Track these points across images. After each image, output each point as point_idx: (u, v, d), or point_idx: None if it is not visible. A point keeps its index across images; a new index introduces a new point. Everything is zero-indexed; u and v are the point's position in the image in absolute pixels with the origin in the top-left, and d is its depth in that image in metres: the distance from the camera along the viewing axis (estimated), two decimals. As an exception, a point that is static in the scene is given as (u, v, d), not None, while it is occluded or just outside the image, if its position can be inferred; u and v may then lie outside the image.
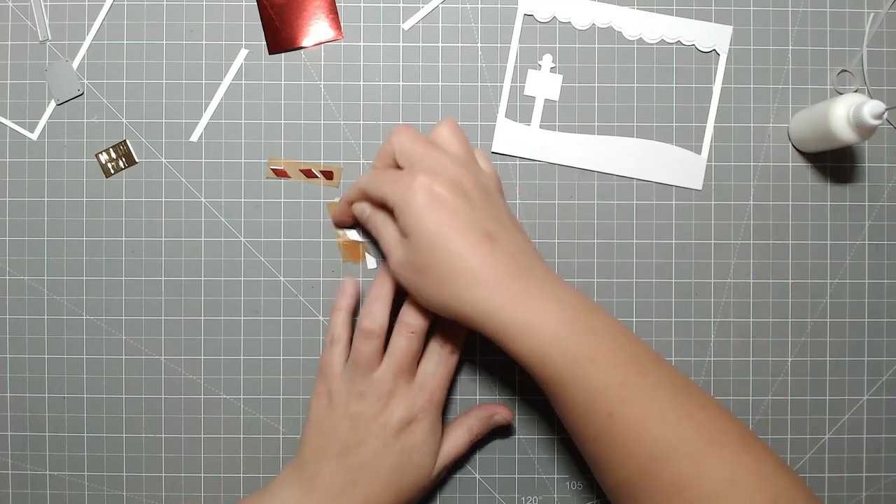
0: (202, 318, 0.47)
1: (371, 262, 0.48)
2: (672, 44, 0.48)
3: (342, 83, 0.48)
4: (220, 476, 0.47)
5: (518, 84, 0.48)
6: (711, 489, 0.34)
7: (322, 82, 0.48)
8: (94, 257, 0.47)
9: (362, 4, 0.48)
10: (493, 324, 0.36)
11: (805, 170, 0.48)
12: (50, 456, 0.47)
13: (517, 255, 0.38)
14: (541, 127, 0.48)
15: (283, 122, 0.48)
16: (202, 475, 0.47)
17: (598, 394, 0.36)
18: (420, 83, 0.48)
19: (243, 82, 0.48)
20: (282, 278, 0.47)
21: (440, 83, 0.48)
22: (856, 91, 0.48)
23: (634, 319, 0.47)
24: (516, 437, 0.47)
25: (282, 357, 0.47)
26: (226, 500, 0.47)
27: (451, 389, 0.47)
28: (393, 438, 0.41)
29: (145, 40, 0.48)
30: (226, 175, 0.47)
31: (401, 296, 0.43)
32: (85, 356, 0.47)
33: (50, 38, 0.48)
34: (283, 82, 0.48)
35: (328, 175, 0.48)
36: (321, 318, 0.47)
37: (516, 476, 0.47)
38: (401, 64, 0.48)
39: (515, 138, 0.48)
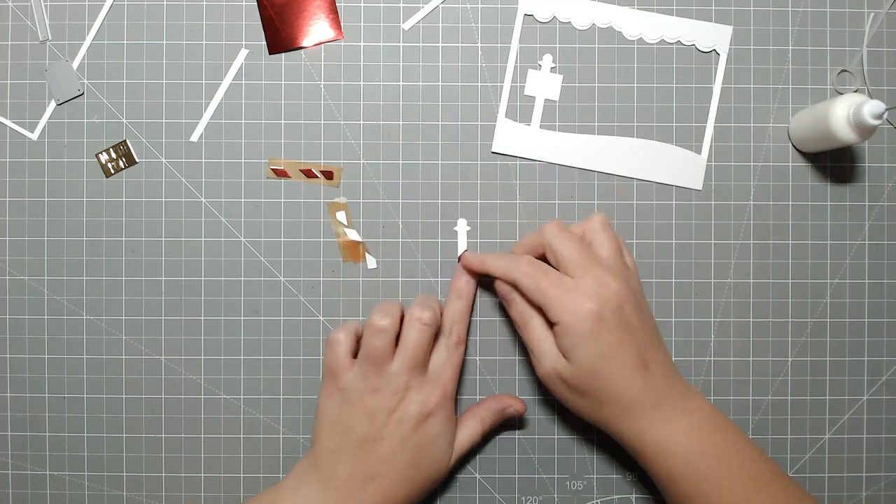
0: (202, 318, 0.47)
1: (371, 261, 0.48)
2: (672, 44, 0.48)
3: (342, 83, 0.48)
4: (220, 476, 0.47)
5: (518, 84, 0.48)
6: None
7: (322, 82, 0.48)
8: (94, 257, 0.47)
9: (362, 4, 0.48)
10: (635, 444, 0.41)
11: (805, 170, 0.48)
12: (50, 456, 0.47)
13: (663, 379, 0.41)
14: (541, 127, 0.48)
15: (283, 122, 0.48)
16: (202, 475, 0.47)
17: None
18: (420, 83, 0.48)
19: (243, 82, 0.48)
20: (282, 278, 0.47)
21: (440, 83, 0.48)
22: (856, 91, 0.48)
23: (634, 319, 0.47)
24: (516, 437, 0.47)
25: (282, 357, 0.47)
26: (226, 500, 0.47)
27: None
28: (410, 433, 0.42)
29: (145, 40, 0.48)
30: (226, 175, 0.47)
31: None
32: (85, 356, 0.47)
33: (50, 38, 0.48)
34: (283, 82, 0.48)
35: (328, 175, 0.48)
36: (321, 318, 0.47)
37: (516, 476, 0.47)
38: (401, 64, 0.48)
39: (515, 138, 0.48)
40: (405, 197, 0.48)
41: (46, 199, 0.47)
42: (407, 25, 0.48)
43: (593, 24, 0.48)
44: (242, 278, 0.47)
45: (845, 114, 0.42)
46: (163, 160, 0.48)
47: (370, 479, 0.41)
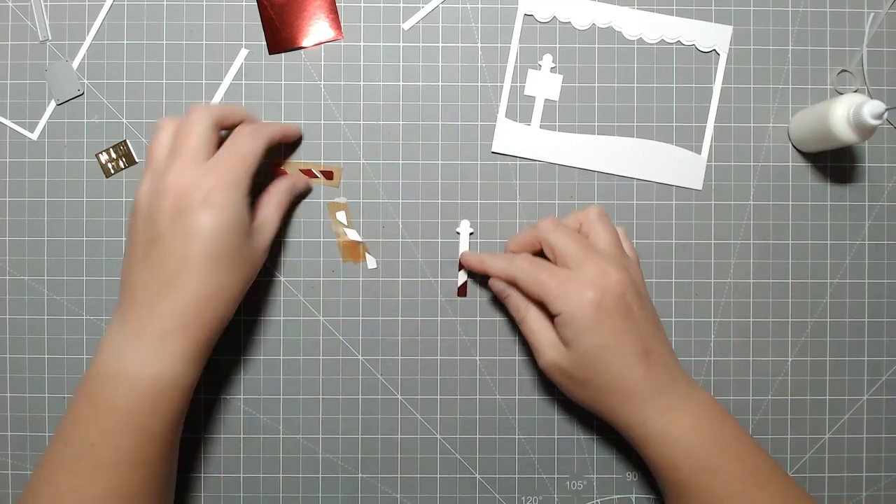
0: (202, 318, 0.47)
1: (371, 261, 0.48)
2: (672, 44, 0.48)
3: (342, 83, 0.48)
4: (220, 476, 0.47)
5: (518, 84, 0.48)
6: None
7: (322, 82, 0.48)
8: (94, 257, 0.47)
9: (362, 4, 0.48)
10: (636, 433, 0.41)
11: (805, 170, 0.48)
12: (50, 456, 0.47)
13: (664, 369, 0.41)
14: (541, 127, 0.48)
15: (283, 122, 0.48)
16: (202, 475, 0.47)
17: (719, 502, 0.39)
18: (420, 83, 0.48)
19: (243, 82, 0.48)
20: (282, 278, 0.47)
21: (440, 83, 0.48)
22: (856, 91, 0.48)
23: (634, 319, 0.47)
24: (516, 437, 0.47)
25: (282, 357, 0.47)
26: (226, 500, 0.47)
27: (449, 390, 0.47)
28: (190, 224, 0.39)
29: (145, 40, 0.48)
30: (226, 175, 0.47)
31: None
32: (85, 356, 0.47)
33: (50, 38, 0.48)
34: (283, 82, 0.48)
35: (328, 175, 0.48)
36: (321, 318, 0.47)
37: (516, 476, 0.47)
38: (401, 64, 0.48)
39: (515, 138, 0.48)
40: (405, 197, 0.48)
41: (46, 199, 0.47)
42: (407, 25, 0.48)
43: (593, 24, 0.48)
44: (242, 278, 0.47)
45: (845, 114, 0.42)
46: (163, 160, 0.48)
47: (166, 284, 0.39)
